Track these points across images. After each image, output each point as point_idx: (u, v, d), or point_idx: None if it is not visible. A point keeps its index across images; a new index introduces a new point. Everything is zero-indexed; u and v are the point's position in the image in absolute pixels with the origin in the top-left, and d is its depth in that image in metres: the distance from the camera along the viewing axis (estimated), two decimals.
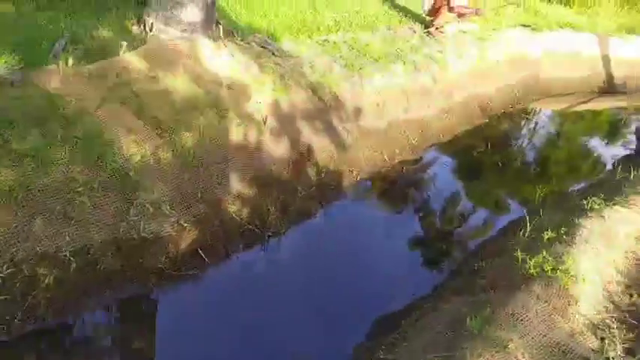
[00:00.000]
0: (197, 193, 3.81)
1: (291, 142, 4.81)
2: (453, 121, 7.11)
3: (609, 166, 6.82)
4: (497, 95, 8.43)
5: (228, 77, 4.59)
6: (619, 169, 5.86)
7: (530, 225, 4.37)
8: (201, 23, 4.46)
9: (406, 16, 8.27)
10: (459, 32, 8.56)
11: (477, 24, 9.66)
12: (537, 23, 11.13)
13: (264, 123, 4.61)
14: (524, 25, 10.83)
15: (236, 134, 4.31)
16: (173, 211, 3.58)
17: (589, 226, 4.32)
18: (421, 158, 6.13)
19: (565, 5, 14.15)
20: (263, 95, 4.80)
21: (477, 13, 7.92)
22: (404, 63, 6.62)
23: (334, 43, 6.25)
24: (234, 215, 4.02)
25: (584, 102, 10.55)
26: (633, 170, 5.71)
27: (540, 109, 9.34)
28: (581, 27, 12.03)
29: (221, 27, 4.95)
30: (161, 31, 4.35)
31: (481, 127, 7.56)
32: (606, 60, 11.27)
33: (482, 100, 8.00)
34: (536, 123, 8.63)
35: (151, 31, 4.34)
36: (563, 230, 4.24)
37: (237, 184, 4.15)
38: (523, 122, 8.47)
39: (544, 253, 3.70)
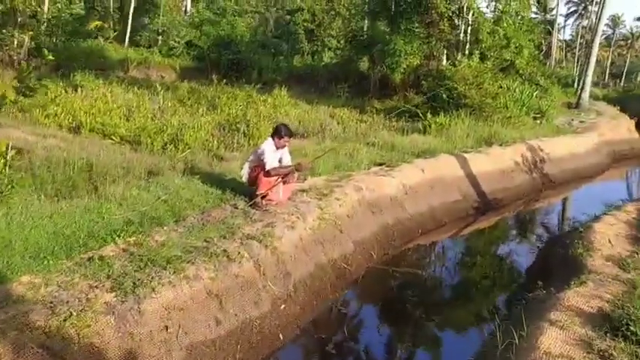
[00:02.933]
0: None
1: None
2: (297, 309, 5.46)
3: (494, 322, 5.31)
4: (357, 252, 7.01)
5: None
6: (500, 335, 4.36)
7: None
8: None
9: (231, 191, 6.93)
10: (297, 192, 7.33)
11: (323, 176, 8.60)
12: (393, 158, 10.35)
13: None
14: (379, 164, 9.97)
15: None
16: None
17: None
18: None
19: (422, 133, 13.84)
20: None
21: (298, 169, 6.72)
22: (210, 256, 5.05)
23: (101, 259, 4.60)
24: None
25: (461, 230, 9.47)
26: (517, 331, 4.21)
27: (412, 252, 8.03)
28: (439, 150, 11.44)
29: None
30: None
31: (338, 303, 5.99)
32: (472, 178, 10.48)
33: (336, 265, 6.52)
34: (410, 272, 7.20)
35: None
36: None
37: None
38: (392, 276, 7.01)
39: None
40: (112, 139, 10.49)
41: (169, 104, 14.45)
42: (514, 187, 11.33)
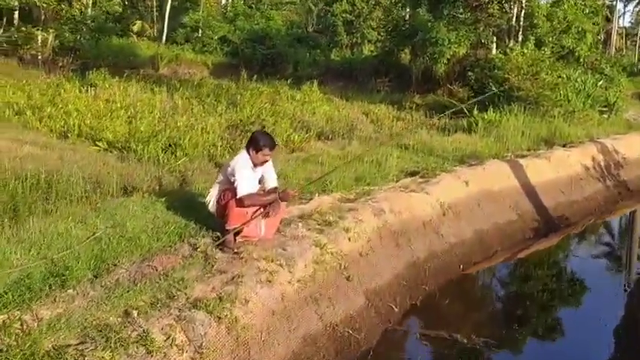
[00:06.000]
0: None
1: None
2: None
3: None
4: (370, 308, 4.91)
5: None
6: None
7: None
8: None
9: (198, 222, 4.94)
10: (293, 220, 5.26)
11: (336, 193, 6.49)
12: (429, 166, 8.11)
13: None
14: (411, 174, 7.77)
15: None
16: None
17: None
18: None
19: (467, 132, 11.47)
20: None
21: (283, 199, 4.62)
22: (114, 348, 3.07)
23: None
24: None
25: (513, 258, 7.14)
26: None
27: (450, 297, 5.77)
28: (488, 153, 9.09)
29: None
30: None
31: None
32: (530, 190, 8.08)
33: (337, 333, 4.41)
34: (445, 336, 4.95)
35: None
36: None
37: None
38: (420, 344, 4.80)
39: None
40: (97, 145, 8.75)
41: (181, 103, 12.66)
42: (583, 200, 8.83)
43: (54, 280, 3.70)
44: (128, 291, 3.70)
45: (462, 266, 6.21)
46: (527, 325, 5.60)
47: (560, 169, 9.05)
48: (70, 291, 3.63)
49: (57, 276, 3.75)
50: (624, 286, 6.64)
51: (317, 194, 6.22)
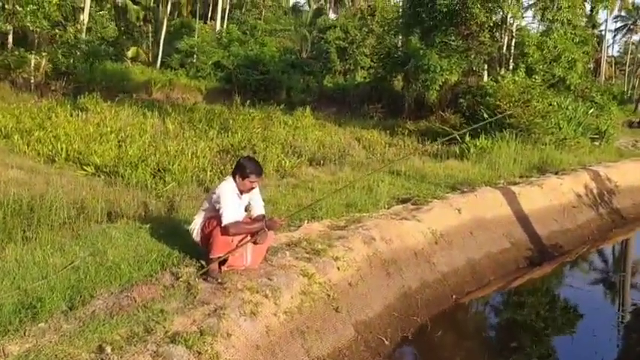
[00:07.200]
0: None
1: None
2: None
3: None
4: (359, 340, 4.72)
5: None
6: None
7: None
8: None
9: (182, 250, 4.77)
10: (280, 249, 5.09)
11: (326, 220, 6.35)
12: (421, 193, 8.00)
13: None
14: (403, 201, 7.65)
15: None
16: None
17: None
18: None
19: (459, 158, 11.41)
20: None
21: (270, 227, 4.46)
22: None
23: None
24: None
25: (506, 287, 6.98)
26: None
27: (441, 329, 5.58)
28: (480, 180, 9.00)
29: None
30: None
31: None
32: (523, 218, 7.96)
33: None
34: None
35: None
36: None
37: None
38: None
39: None
40: (84, 169, 8.59)
41: (172, 127, 12.56)
42: (576, 228, 8.72)
43: (25, 313, 3.52)
44: (103, 324, 3.51)
45: (454, 296, 6.04)
46: (522, 358, 5.41)
47: (553, 197, 8.96)
48: (42, 324, 3.44)
49: (29, 308, 3.56)
50: (619, 317, 6.48)
51: (306, 221, 6.08)
